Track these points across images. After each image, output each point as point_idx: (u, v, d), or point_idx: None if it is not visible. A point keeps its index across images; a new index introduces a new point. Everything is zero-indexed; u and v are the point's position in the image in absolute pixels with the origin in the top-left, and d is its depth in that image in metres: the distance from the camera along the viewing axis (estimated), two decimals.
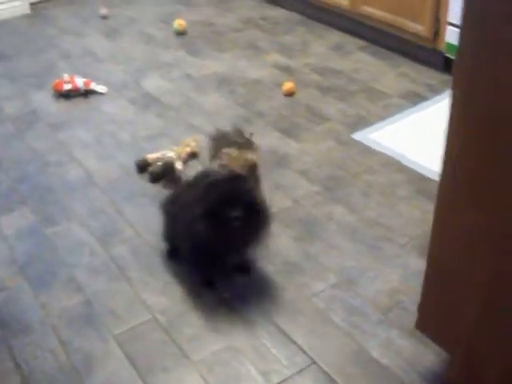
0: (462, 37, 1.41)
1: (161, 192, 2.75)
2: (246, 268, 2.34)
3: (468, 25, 1.38)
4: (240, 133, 2.72)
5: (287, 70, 3.82)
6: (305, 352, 2.02)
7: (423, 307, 1.81)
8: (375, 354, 2.01)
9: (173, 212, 2.30)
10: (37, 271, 2.39)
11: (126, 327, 2.14)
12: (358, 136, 3.13)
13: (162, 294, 2.26)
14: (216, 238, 2.08)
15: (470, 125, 1.46)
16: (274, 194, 2.71)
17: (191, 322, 2.14)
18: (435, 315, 1.77)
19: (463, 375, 1.78)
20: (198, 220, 2.06)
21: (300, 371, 1.96)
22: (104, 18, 4.75)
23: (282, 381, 1.93)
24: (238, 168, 2.43)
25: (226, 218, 2.04)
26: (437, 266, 1.71)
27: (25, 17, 4.86)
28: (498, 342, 1.60)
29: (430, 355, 1.99)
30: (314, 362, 1.99)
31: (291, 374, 1.95)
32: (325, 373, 1.95)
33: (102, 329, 2.14)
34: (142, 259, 2.42)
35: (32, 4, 4.96)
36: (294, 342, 2.05)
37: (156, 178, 2.84)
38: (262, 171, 2.77)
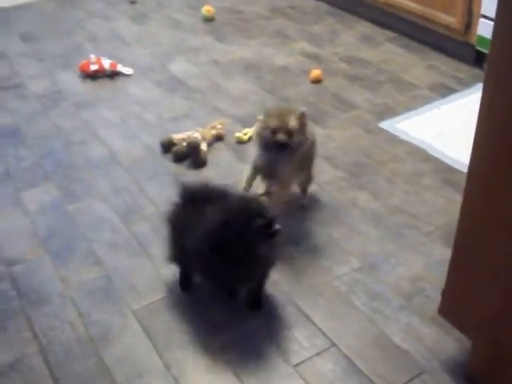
0: (497, 29, 1.38)
1: (184, 172, 2.76)
2: (256, 304, 2.11)
3: (503, 16, 1.36)
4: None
5: (315, 58, 3.79)
6: (325, 334, 2.00)
7: (447, 292, 1.78)
8: (396, 339, 1.98)
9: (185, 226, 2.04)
10: (57, 245, 2.39)
11: (145, 302, 2.12)
12: (384, 125, 3.09)
13: None
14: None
15: (501, 113, 1.43)
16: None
17: (211, 301, 2.12)
18: (459, 300, 1.74)
19: (486, 363, 1.75)
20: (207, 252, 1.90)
21: (320, 353, 1.94)
22: (132, 2, 4.75)
23: (302, 362, 1.91)
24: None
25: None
26: (463, 249, 1.67)
27: (52, 0, 4.86)
28: None
29: (451, 343, 1.96)
30: (334, 345, 1.96)
31: (311, 356, 1.93)
32: (344, 355, 1.92)
33: (120, 303, 2.12)
34: (163, 237, 2.40)
35: None
36: (315, 324, 2.03)
37: (180, 158, 2.83)
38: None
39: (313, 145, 2.44)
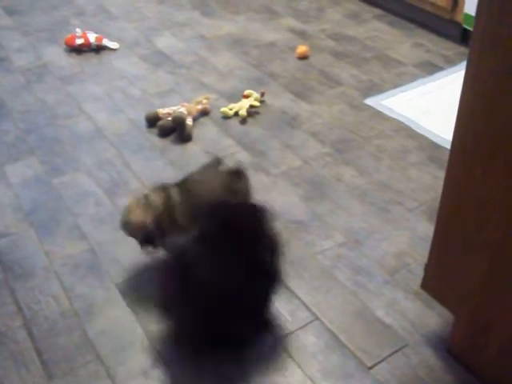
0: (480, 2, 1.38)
1: (169, 147, 2.75)
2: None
3: None
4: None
5: (301, 35, 3.77)
6: (308, 308, 2.00)
7: (430, 267, 1.79)
8: (379, 313, 1.99)
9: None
10: (42, 219, 2.38)
11: (129, 276, 2.12)
12: (370, 101, 3.09)
13: None
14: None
15: (483, 85, 1.43)
16: (284, 154, 2.70)
17: None
18: (441, 274, 1.75)
19: (467, 337, 1.76)
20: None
21: (303, 327, 1.94)
22: None
23: (285, 336, 1.92)
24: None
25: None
26: (445, 224, 1.68)
27: None
28: (505, 304, 1.58)
29: (434, 318, 1.97)
30: (317, 318, 1.97)
31: (294, 329, 1.93)
32: (328, 329, 1.93)
33: (104, 277, 2.12)
34: None
35: None
36: (298, 298, 2.04)
37: (165, 133, 2.82)
38: (273, 131, 2.76)
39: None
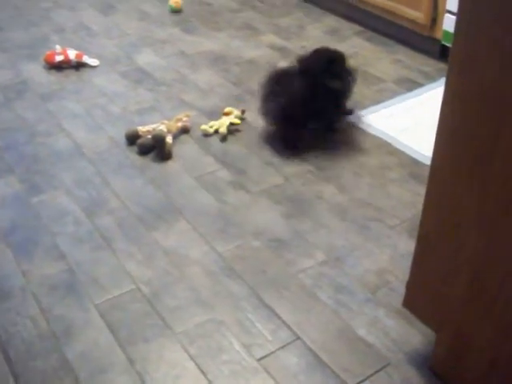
0: (458, 20, 1.39)
1: (149, 165, 2.73)
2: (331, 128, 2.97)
3: (464, 10, 1.36)
4: None
5: (282, 51, 3.77)
6: (289, 327, 1.99)
7: (411, 285, 1.78)
8: (361, 332, 1.98)
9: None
10: (20, 238, 2.35)
11: (108, 297, 2.10)
12: (350, 118, 3.09)
13: (146, 266, 2.22)
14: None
15: (462, 103, 1.43)
16: (264, 171, 2.69)
17: (175, 294, 2.11)
18: (423, 292, 1.74)
19: (449, 355, 1.75)
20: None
21: (284, 346, 1.93)
22: None
23: (266, 355, 1.90)
24: None
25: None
26: (426, 242, 1.67)
27: None
28: (486, 322, 1.57)
29: (417, 336, 1.96)
30: (299, 338, 1.95)
31: (275, 349, 1.92)
32: (309, 349, 1.92)
33: (83, 297, 2.10)
34: (128, 230, 2.38)
35: None
36: (279, 317, 2.02)
37: (145, 151, 2.80)
38: (254, 149, 2.76)
39: None
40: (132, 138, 2.86)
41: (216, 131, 2.94)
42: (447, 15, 3.41)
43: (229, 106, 3.12)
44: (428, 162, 2.64)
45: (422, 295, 1.75)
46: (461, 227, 1.53)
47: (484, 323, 1.58)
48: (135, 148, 2.83)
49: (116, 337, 1.95)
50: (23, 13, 4.36)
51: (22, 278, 2.18)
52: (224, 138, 2.92)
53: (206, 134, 2.94)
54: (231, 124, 2.96)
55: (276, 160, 2.77)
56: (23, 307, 2.06)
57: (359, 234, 2.37)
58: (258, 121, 2.99)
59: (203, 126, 2.94)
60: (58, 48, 3.57)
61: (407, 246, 2.29)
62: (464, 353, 1.69)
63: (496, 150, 1.38)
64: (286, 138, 2.87)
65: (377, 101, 3.24)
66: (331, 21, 4.23)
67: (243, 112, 3.02)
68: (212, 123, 2.96)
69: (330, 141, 2.91)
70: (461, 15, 1.38)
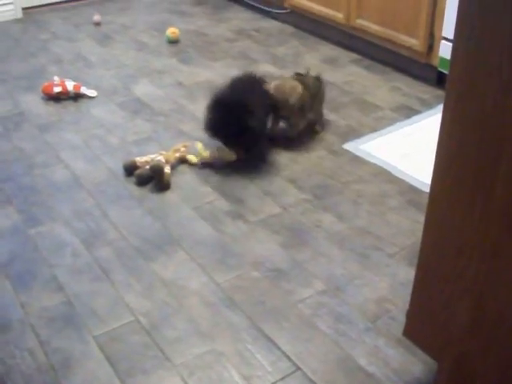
0: (455, 48, 1.40)
1: (147, 195, 2.73)
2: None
3: (461, 37, 1.37)
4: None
5: None
6: (289, 358, 1.98)
7: (411, 313, 1.78)
8: (362, 361, 1.96)
9: None
10: (18, 270, 2.34)
11: (107, 329, 2.09)
12: (349, 146, 3.10)
13: (145, 297, 2.21)
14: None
15: (460, 130, 1.44)
16: (262, 201, 2.69)
17: (174, 325, 2.10)
18: (424, 322, 1.73)
19: None
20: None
21: (284, 378, 1.91)
22: (97, 24, 4.73)
23: None
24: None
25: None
26: (426, 270, 1.67)
27: (17, 21, 4.83)
28: (489, 350, 1.56)
29: (418, 365, 1.95)
30: (299, 369, 1.94)
31: (275, 381, 1.90)
32: (310, 380, 1.90)
33: (82, 329, 2.08)
34: (126, 262, 2.37)
35: (24, 9, 4.93)
36: (279, 348, 2.01)
37: (143, 182, 2.80)
38: (252, 178, 2.76)
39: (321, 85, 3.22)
40: (130, 169, 2.86)
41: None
42: (443, 42, 3.44)
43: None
44: (427, 189, 2.64)
45: (423, 324, 1.74)
46: (462, 252, 1.53)
47: (487, 350, 1.57)
48: (133, 179, 2.83)
49: (115, 369, 1.94)
50: (21, 44, 4.38)
51: (21, 310, 2.16)
52: (221, 168, 2.93)
53: (200, 156, 2.94)
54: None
55: (273, 189, 2.77)
56: (22, 340, 2.05)
57: (358, 263, 2.36)
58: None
59: (190, 156, 2.96)
60: (56, 79, 3.59)
61: (407, 274, 2.28)
62: (466, 381, 1.67)
63: (497, 174, 1.38)
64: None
65: (375, 128, 3.25)
66: (327, 49, 4.26)
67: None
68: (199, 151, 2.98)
69: (327, 168, 2.91)
70: (457, 42, 1.39)
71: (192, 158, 2.95)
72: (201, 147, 2.95)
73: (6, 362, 1.97)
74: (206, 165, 2.94)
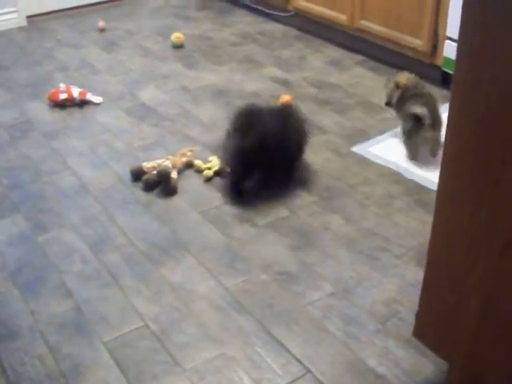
0: (460, 47, 1.40)
1: (154, 200, 2.73)
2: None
3: (465, 36, 1.38)
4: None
5: (284, 84, 3.79)
6: (299, 361, 1.97)
7: (421, 314, 1.77)
8: (372, 363, 1.96)
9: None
10: (27, 277, 2.35)
11: (117, 334, 2.09)
12: (355, 148, 3.10)
13: (154, 302, 2.21)
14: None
15: (465, 130, 1.44)
16: (270, 204, 2.69)
17: (183, 330, 2.10)
18: (433, 322, 1.73)
19: None
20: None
21: (294, 380, 1.91)
22: (101, 31, 4.74)
23: None
24: None
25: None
26: (435, 270, 1.67)
27: (21, 29, 4.84)
28: (499, 348, 1.56)
29: (428, 365, 1.95)
30: (309, 371, 1.94)
31: None
32: (320, 382, 1.90)
33: (91, 335, 2.09)
34: (135, 267, 2.38)
35: (29, 17, 4.95)
36: (289, 351, 2.01)
37: (150, 187, 2.81)
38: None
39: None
40: (137, 174, 2.86)
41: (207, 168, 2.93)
42: (448, 42, 3.43)
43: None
44: (434, 187, 2.64)
45: (432, 324, 1.74)
46: (471, 251, 1.52)
47: (497, 349, 1.57)
48: (140, 184, 2.84)
49: (125, 375, 1.94)
50: (27, 52, 4.40)
51: (30, 317, 2.17)
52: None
53: (198, 171, 2.94)
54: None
55: (281, 192, 2.77)
56: (31, 346, 2.05)
57: (367, 265, 2.36)
58: None
59: (197, 162, 2.96)
60: (62, 86, 3.60)
61: (415, 274, 2.28)
62: (478, 381, 1.67)
63: (504, 169, 1.38)
64: (233, 181, 2.79)
65: (381, 130, 3.25)
66: (332, 51, 4.25)
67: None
68: (209, 164, 2.95)
69: (334, 170, 2.91)
70: (462, 42, 1.39)
71: (199, 163, 2.94)
72: (200, 164, 2.95)
73: (15, 369, 1.97)
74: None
